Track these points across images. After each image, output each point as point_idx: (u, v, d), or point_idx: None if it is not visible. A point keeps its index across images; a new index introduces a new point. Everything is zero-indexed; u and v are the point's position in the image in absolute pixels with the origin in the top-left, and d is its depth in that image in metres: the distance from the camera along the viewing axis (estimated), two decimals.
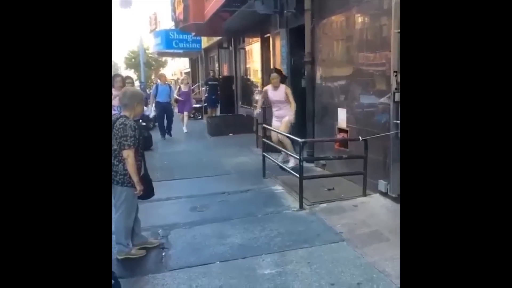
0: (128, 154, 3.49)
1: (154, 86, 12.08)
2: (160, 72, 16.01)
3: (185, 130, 12.06)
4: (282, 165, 6.21)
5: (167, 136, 11.18)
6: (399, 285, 3.05)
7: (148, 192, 3.83)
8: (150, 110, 12.52)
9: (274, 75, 6.86)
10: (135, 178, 3.56)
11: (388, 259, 3.49)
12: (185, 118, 12.32)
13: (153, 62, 40.70)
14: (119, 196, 3.60)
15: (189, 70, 27.19)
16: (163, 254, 3.84)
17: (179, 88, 12.46)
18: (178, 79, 27.34)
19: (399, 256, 3.47)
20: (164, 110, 11.05)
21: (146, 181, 3.79)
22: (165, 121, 11.27)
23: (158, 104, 11.06)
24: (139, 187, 3.60)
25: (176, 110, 12.25)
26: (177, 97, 12.03)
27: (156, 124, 11.50)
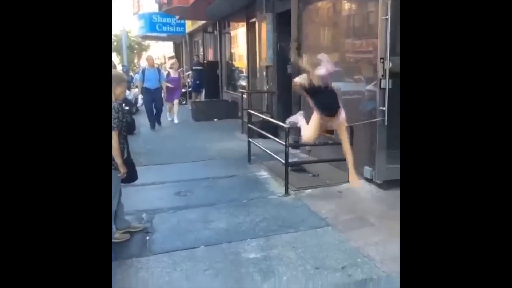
0: (111, 136, 3.42)
1: (140, 70, 11.18)
2: (147, 55, 14.08)
3: (176, 120, 11.03)
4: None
5: (156, 126, 10.25)
6: (383, 269, 3.10)
7: (131, 176, 3.79)
8: (135, 95, 12.19)
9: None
10: (118, 161, 3.50)
11: (372, 244, 3.51)
12: (176, 107, 11.21)
13: (136, 46, 40.16)
14: None
15: (173, 54, 26.85)
16: (147, 238, 3.80)
17: (168, 73, 11.30)
18: (161, 63, 27.00)
19: (383, 241, 3.53)
20: (153, 97, 10.10)
21: (129, 164, 3.74)
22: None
23: (146, 91, 10.04)
24: (122, 170, 3.54)
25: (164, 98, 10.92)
26: (167, 84, 10.74)
27: (139, 109, 11.09)
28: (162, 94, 10.63)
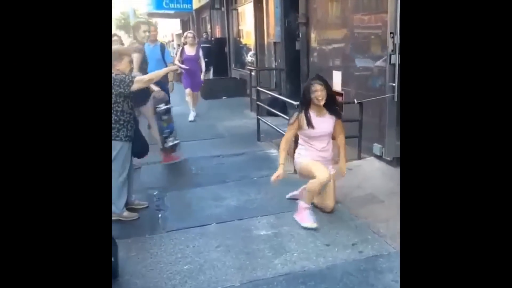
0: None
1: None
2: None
3: (190, 117, 8.51)
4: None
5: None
6: (393, 246, 3.12)
7: (142, 150, 3.84)
8: None
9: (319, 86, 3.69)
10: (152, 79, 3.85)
11: (382, 221, 3.54)
12: (191, 98, 8.72)
13: None
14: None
15: (180, 32, 26.63)
16: (160, 215, 3.87)
17: (182, 50, 8.28)
18: (169, 41, 26.75)
19: (393, 218, 3.54)
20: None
21: (140, 138, 3.80)
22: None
23: None
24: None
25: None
26: (179, 65, 7.60)
27: None
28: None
